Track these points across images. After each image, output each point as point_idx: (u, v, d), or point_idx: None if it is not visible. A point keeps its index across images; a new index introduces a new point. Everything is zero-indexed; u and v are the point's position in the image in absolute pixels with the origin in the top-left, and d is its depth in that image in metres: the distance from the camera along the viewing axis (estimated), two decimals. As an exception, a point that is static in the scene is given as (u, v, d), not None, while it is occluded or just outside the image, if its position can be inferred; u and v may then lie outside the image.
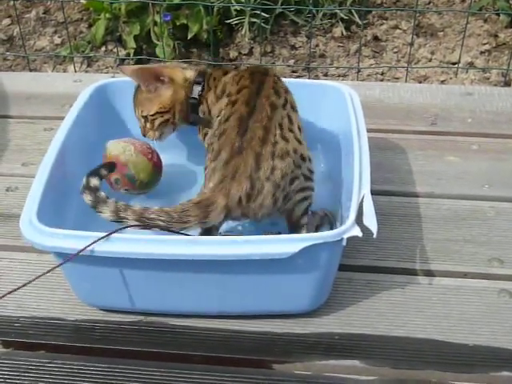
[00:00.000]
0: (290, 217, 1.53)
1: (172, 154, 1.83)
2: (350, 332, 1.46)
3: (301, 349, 1.43)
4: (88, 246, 1.31)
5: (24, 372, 1.40)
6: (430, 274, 1.59)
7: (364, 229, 1.35)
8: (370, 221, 1.35)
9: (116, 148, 1.68)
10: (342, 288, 1.55)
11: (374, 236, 1.33)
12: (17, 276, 1.60)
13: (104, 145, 1.69)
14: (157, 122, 1.72)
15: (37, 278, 1.37)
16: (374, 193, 1.42)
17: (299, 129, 1.53)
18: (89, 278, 1.36)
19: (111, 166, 1.50)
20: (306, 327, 1.47)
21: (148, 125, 1.73)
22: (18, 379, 1.39)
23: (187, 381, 1.38)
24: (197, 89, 1.68)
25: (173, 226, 1.37)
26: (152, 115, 1.71)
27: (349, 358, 1.41)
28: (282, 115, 1.50)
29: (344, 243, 1.33)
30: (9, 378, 1.39)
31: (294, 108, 1.55)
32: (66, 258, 1.33)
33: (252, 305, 1.46)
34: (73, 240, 1.34)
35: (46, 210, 1.44)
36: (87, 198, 1.39)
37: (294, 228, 1.54)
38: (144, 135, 1.76)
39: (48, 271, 1.37)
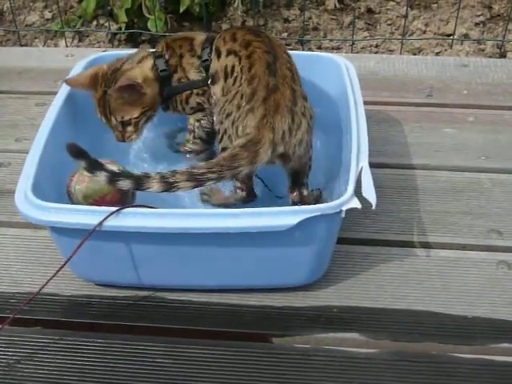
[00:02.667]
0: (300, 172, 1.54)
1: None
2: (349, 305, 1.45)
3: (300, 322, 1.42)
4: (102, 220, 1.30)
5: (19, 348, 1.39)
6: (428, 246, 1.58)
7: (362, 201, 1.34)
8: (369, 193, 1.34)
9: (95, 190, 1.52)
10: (340, 261, 1.54)
11: (373, 208, 1.32)
12: (11, 252, 1.60)
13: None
14: (141, 122, 1.65)
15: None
16: (370, 165, 1.41)
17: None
18: (87, 253, 1.34)
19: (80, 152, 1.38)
20: (305, 300, 1.46)
21: (130, 128, 1.65)
22: (14, 355, 1.38)
23: (185, 355, 1.37)
24: (161, 61, 1.64)
25: (225, 175, 1.36)
26: (136, 117, 1.63)
27: (348, 331, 1.41)
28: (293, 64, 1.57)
29: (343, 215, 1.32)
30: (4, 354, 1.38)
31: None
32: (84, 235, 1.31)
33: (250, 278, 1.45)
34: (69, 214, 1.33)
35: (41, 184, 1.42)
36: (125, 184, 1.34)
37: (298, 185, 1.55)
38: (124, 141, 1.67)
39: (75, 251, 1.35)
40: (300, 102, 1.48)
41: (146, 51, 1.67)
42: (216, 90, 1.60)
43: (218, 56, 1.59)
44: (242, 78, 1.51)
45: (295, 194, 1.55)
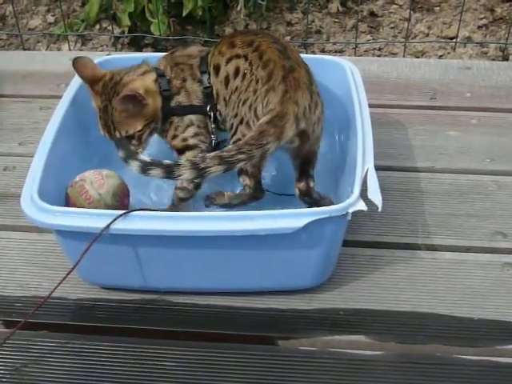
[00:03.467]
0: (309, 160, 1.55)
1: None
2: (355, 307, 1.46)
3: (306, 324, 1.43)
4: (110, 223, 1.31)
5: (26, 351, 1.39)
6: (433, 248, 1.59)
7: (367, 204, 1.34)
8: (375, 195, 1.34)
9: (117, 185, 1.57)
10: (345, 264, 1.54)
11: (379, 210, 1.32)
12: (16, 256, 1.60)
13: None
14: (145, 135, 1.62)
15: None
16: (374, 168, 1.41)
17: None
18: (92, 257, 1.35)
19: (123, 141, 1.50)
20: (310, 303, 1.46)
21: (134, 142, 1.60)
22: (21, 359, 1.38)
23: (192, 358, 1.37)
24: (164, 80, 1.62)
25: (254, 154, 1.37)
26: (140, 130, 1.60)
27: (354, 334, 1.41)
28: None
29: (349, 217, 1.32)
30: (11, 358, 1.38)
31: None
32: (92, 238, 1.32)
33: (256, 281, 1.45)
34: (75, 217, 1.34)
35: (46, 188, 1.42)
36: (157, 173, 1.37)
37: (305, 176, 1.55)
38: None
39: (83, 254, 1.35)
40: (314, 83, 1.52)
41: (148, 66, 1.65)
42: (220, 104, 1.59)
43: (217, 73, 1.58)
44: (252, 68, 1.50)
45: (302, 184, 1.55)
